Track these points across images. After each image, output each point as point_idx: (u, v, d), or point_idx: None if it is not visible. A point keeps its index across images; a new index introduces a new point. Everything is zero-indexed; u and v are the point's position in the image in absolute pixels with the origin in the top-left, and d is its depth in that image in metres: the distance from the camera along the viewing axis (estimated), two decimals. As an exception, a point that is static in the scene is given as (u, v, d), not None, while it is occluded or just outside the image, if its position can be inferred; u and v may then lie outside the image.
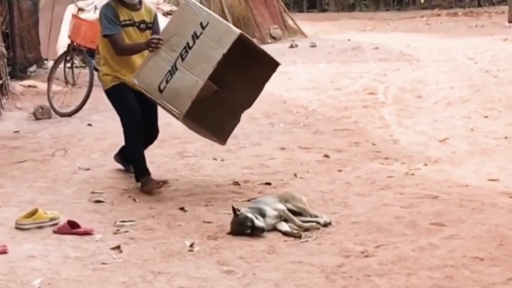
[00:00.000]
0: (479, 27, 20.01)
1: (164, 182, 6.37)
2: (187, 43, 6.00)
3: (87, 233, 5.36)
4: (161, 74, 6.06)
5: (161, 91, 6.05)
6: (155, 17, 6.72)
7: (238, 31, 5.97)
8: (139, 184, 6.47)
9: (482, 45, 15.50)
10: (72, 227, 5.39)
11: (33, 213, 5.54)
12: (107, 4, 6.52)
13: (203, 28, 5.96)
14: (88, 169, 7.18)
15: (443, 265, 4.70)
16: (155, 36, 6.29)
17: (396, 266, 4.71)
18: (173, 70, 6.01)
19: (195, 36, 5.98)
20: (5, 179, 6.90)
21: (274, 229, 5.39)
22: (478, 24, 20.67)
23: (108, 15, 6.42)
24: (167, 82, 6.02)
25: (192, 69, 5.96)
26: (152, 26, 6.63)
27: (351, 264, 4.76)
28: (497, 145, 7.88)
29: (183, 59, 6.00)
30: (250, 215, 5.33)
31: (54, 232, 5.40)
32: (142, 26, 6.57)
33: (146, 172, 6.45)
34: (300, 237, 5.25)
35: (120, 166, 7.05)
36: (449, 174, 6.84)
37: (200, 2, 16.81)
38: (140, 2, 6.61)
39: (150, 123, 6.66)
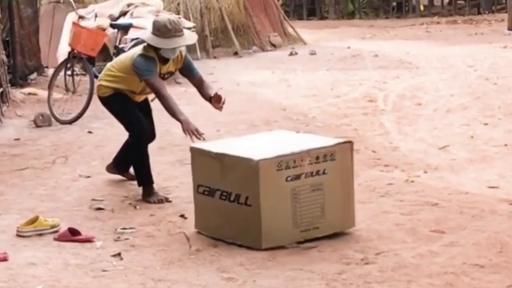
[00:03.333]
0: (479, 35, 20.01)
1: (167, 201, 6.35)
2: None
3: (88, 240, 5.37)
4: None
5: None
6: (185, 60, 6.40)
7: None
8: (140, 191, 6.48)
9: (482, 52, 15.51)
10: (72, 235, 5.40)
11: (34, 220, 5.55)
12: (149, 56, 6.16)
13: None
14: (88, 177, 7.19)
15: (443, 272, 4.71)
16: (198, 129, 5.97)
17: (396, 273, 4.71)
18: None
19: None
20: (6, 186, 6.91)
21: None
22: (478, 32, 20.68)
23: (152, 66, 6.14)
24: None
25: None
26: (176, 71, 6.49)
27: (352, 271, 4.76)
28: (497, 153, 7.89)
29: None
30: None
31: (55, 239, 5.40)
32: (166, 76, 6.45)
33: (151, 180, 6.47)
34: None
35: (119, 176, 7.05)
36: (448, 181, 6.85)
37: (200, 11, 16.87)
38: None
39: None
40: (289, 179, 5.20)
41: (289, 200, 5.21)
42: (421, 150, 8.13)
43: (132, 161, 6.67)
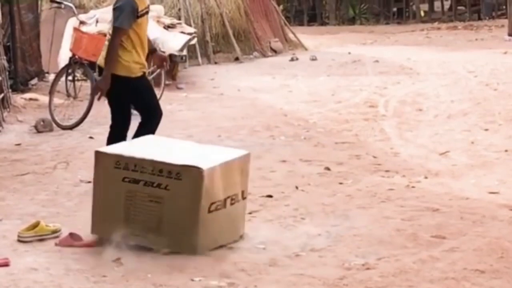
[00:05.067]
0: (479, 40, 20.04)
1: None
2: None
3: (89, 245, 5.37)
4: None
5: None
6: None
7: None
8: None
9: (482, 58, 15.53)
10: (74, 240, 5.41)
11: (35, 225, 5.55)
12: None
13: None
14: (89, 182, 7.15)
15: (444, 278, 4.71)
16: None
17: (397, 278, 4.72)
18: None
19: None
20: (7, 192, 6.91)
21: None
22: (478, 37, 20.72)
23: (130, 9, 6.56)
24: None
25: None
26: None
27: (353, 276, 4.76)
28: (497, 158, 7.90)
29: None
30: None
31: (56, 244, 5.41)
32: (145, 12, 6.77)
33: None
34: None
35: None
36: (449, 187, 6.86)
37: (201, 17, 16.89)
38: None
39: None
40: (126, 180, 5.24)
41: (123, 200, 5.26)
42: (421, 155, 8.14)
43: None
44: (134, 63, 6.69)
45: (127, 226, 5.24)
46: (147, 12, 6.80)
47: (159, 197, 5.18)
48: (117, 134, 6.80)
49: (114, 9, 6.67)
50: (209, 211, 5.18)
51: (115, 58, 6.59)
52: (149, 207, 5.21)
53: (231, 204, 5.35)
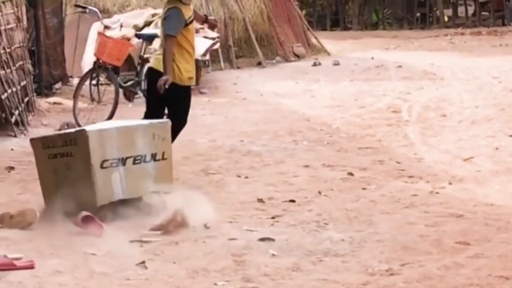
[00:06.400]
0: (503, 46, 19.95)
1: None
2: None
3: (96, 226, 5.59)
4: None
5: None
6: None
7: None
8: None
9: (507, 64, 15.45)
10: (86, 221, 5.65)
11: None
12: (175, 7, 6.96)
13: None
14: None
15: (469, 284, 4.68)
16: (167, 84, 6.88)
17: (421, 284, 4.70)
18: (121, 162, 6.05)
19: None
20: (31, 195, 6.95)
21: None
22: (502, 43, 20.62)
23: (177, 18, 6.91)
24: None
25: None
26: None
27: (376, 282, 4.75)
28: (522, 164, 7.85)
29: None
30: None
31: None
32: (190, 20, 7.09)
33: None
34: None
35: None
36: (474, 193, 6.82)
37: (224, 21, 16.93)
38: None
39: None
40: (51, 156, 6.08)
41: (52, 175, 6.11)
42: (445, 161, 8.10)
43: None
44: (185, 72, 7.04)
45: (61, 197, 5.89)
46: (193, 20, 7.10)
47: (69, 164, 5.99)
48: (177, 133, 7.09)
49: (164, 19, 7.00)
50: (102, 167, 5.94)
51: (170, 60, 6.91)
52: (66, 175, 5.97)
53: (134, 163, 6.08)
